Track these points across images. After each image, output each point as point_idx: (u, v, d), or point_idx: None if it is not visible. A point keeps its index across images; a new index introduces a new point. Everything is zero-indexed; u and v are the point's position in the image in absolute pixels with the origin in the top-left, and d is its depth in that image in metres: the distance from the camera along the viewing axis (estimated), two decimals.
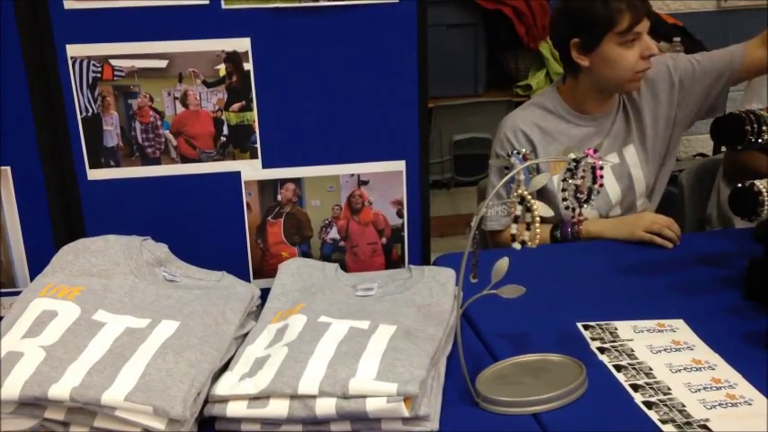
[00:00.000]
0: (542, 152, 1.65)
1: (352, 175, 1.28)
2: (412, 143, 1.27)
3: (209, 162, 1.25)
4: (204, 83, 1.21)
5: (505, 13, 3.02)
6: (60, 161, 1.22)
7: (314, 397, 0.90)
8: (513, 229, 0.96)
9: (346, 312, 1.08)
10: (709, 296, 1.27)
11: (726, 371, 1.04)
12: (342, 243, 1.32)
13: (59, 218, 1.24)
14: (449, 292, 1.14)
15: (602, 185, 0.98)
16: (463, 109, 3.13)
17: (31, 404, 0.91)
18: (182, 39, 1.18)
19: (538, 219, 0.94)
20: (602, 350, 1.10)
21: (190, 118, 1.23)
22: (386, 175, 1.28)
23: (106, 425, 0.90)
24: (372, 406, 0.89)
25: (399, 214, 1.31)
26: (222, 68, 1.20)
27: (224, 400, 0.93)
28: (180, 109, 1.22)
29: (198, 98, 1.22)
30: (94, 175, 1.23)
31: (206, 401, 0.94)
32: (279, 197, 1.28)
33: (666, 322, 1.17)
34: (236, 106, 1.23)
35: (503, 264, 0.96)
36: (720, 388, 1.00)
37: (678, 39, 3.14)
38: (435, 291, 1.14)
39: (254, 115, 1.23)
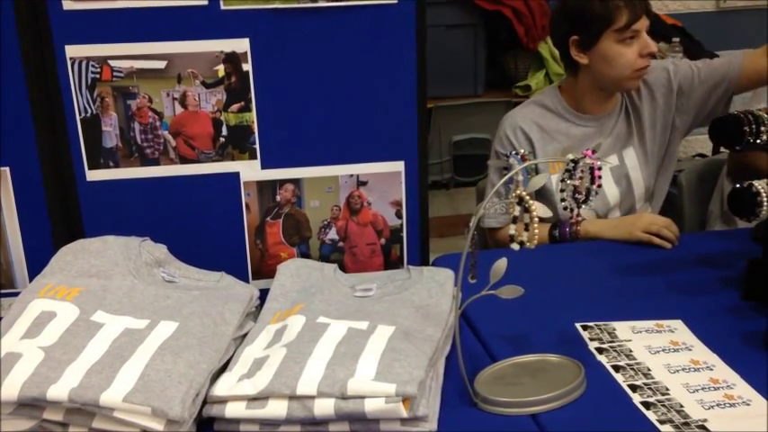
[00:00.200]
0: (541, 151, 1.66)
1: (351, 175, 1.28)
2: (411, 144, 1.27)
3: (208, 163, 1.25)
4: (203, 83, 1.21)
5: (505, 14, 3.03)
6: (59, 162, 1.22)
7: (312, 397, 0.90)
8: (512, 229, 0.96)
9: (345, 313, 1.08)
10: (708, 296, 1.27)
11: (724, 371, 1.04)
12: (341, 244, 1.32)
13: (58, 218, 1.24)
14: (447, 292, 1.14)
15: (600, 186, 0.98)
16: (462, 109, 3.14)
17: (29, 405, 0.91)
18: (181, 39, 1.18)
19: (536, 219, 0.94)
20: (600, 350, 1.10)
21: (189, 119, 1.23)
22: (385, 176, 1.29)
23: (105, 426, 0.90)
24: (371, 406, 0.89)
25: (398, 215, 1.31)
26: (221, 69, 1.20)
27: (223, 400, 0.93)
28: (179, 110, 1.22)
29: (197, 99, 1.22)
30: (93, 175, 1.23)
31: (205, 402, 0.94)
32: (278, 198, 1.28)
33: (665, 323, 1.17)
34: (234, 107, 1.23)
35: (501, 264, 0.96)
36: (718, 388, 1.00)
37: (677, 39, 3.14)
38: (434, 291, 1.14)
39: (252, 116, 1.23)
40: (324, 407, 0.90)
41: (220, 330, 1.04)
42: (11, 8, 1.14)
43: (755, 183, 1.17)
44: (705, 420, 0.94)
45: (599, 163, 0.97)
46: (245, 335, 1.08)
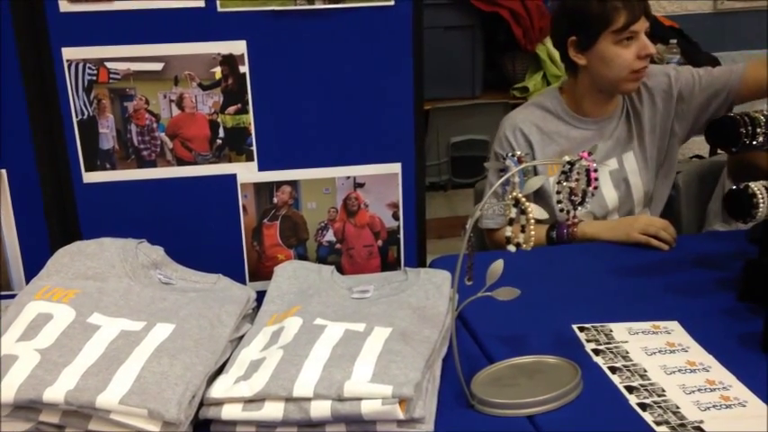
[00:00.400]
0: (540, 153, 1.66)
1: (348, 177, 1.28)
2: (407, 145, 1.27)
3: (205, 165, 1.25)
4: (200, 85, 1.21)
5: (502, 16, 3.03)
6: (56, 164, 1.22)
7: (309, 399, 0.90)
8: (508, 231, 0.96)
9: (342, 315, 1.08)
10: (704, 298, 1.27)
11: (720, 372, 1.04)
12: (338, 245, 1.32)
13: (55, 220, 1.24)
14: (444, 294, 1.14)
15: (596, 188, 0.98)
16: (460, 111, 3.14)
17: (26, 407, 0.91)
18: (177, 41, 1.18)
19: (532, 221, 0.94)
20: (597, 352, 1.10)
21: (185, 120, 1.23)
22: (382, 178, 1.29)
23: (101, 428, 0.90)
24: (367, 408, 0.89)
25: (395, 216, 1.31)
26: (218, 71, 1.20)
27: (219, 402, 0.93)
28: (176, 111, 1.22)
29: (194, 101, 1.22)
30: (90, 177, 1.23)
31: (201, 404, 0.94)
32: (275, 200, 1.28)
33: (661, 324, 1.18)
34: (231, 109, 1.23)
35: (498, 266, 0.96)
36: (715, 390, 1.00)
37: (674, 41, 3.14)
38: (431, 293, 1.14)
39: (249, 118, 1.23)
40: (320, 409, 0.90)
41: (217, 332, 1.04)
42: (8, 10, 1.14)
43: (752, 184, 1.17)
44: (701, 422, 0.94)
45: (595, 165, 0.97)
46: (241, 337, 1.08)
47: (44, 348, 0.95)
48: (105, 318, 1.02)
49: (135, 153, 1.23)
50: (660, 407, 0.97)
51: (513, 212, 0.95)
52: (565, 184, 0.98)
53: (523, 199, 0.94)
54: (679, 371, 1.05)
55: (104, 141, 1.22)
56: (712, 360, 1.07)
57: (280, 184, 1.27)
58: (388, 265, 1.33)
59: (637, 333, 1.15)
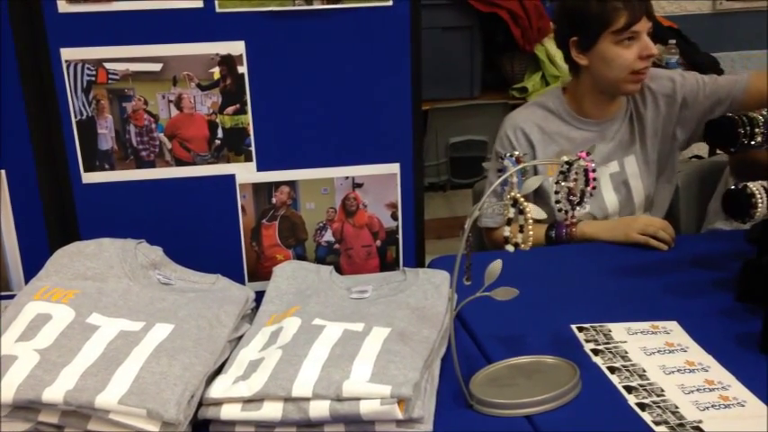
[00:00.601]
0: (541, 153, 1.66)
1: (347, 177, 1.28)
2: (406, 145, 1.28)
3: (204, 165, 1.25)
4: (198, 86, 1.21)
5: (501, 16, 3.03)
6: (55, 164, 1.22)
7: (308, 399, 0.90)
8: (506, 231, 0.96)
9: (341, 315, 1.08)
10: (703, 298, 1.27)
11: (719, 372, 1.04)
12: (336, 246, 1.32)
13: (54, 221, 1.24)
14: (443, 294, 1.14)
15: (594, 188, 0.98)
16: (459, 111, 3.14)
17: (25, 407, 0.91)
18: (176, 42, 1.18)
19: (530, 221, 0.94)
20: (595, 352, 1.10)
21: (184, 121, 1.23)
22: (380, 178, 1.29)
23: (100, 428, 0.90)
24: (366, 408, 0.89)
25: (394, 217, 1.31)
26: (216, 72, 1.21)
27: (218, 402, 0.93)
28: (174, 112, 1.22)
29: (192, 101, 1.22)
30: (89, 178, 1.23)
31: (200, 404, 0.94)
32: (273, 200, 1.28)
33: (660, 324, 1.18)
34: (230, 109, 1.23)
35: (496, 266, 0.96)
36: (713, 389, 1.01)
37: (673, 41, 3.15)
38: (430, 293, 1.14)
39: (248, 118, 1.23)
40: (319, 409, 0.90)
41: (216, 332, 1.04)
42: (6, 11, 1.14)
43: (750, 184, 1.17)
44: (700, 421, 0.94)
45: (593, 165, 0.97)
46: (240, 337, 1.08)
47: (43, 348, 0.95)
48: (104, 318, 1.02)
49: (134, 153, 1.23)
50: (659, 407, 0.97)
51: (512, 212, 0.95)
52: (563, 183, 0.98)
53: (521, 199, 0.94)
54: (678, 371, 1.05)
55: (103, 142, 1.22)
56: (711, 360, 1.07)
57: (278, 184, 1.27)
58: (387, 265, 1.34)
59: (636, 333, 1.15)
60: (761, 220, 1.19)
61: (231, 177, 1.26)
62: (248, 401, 0.92)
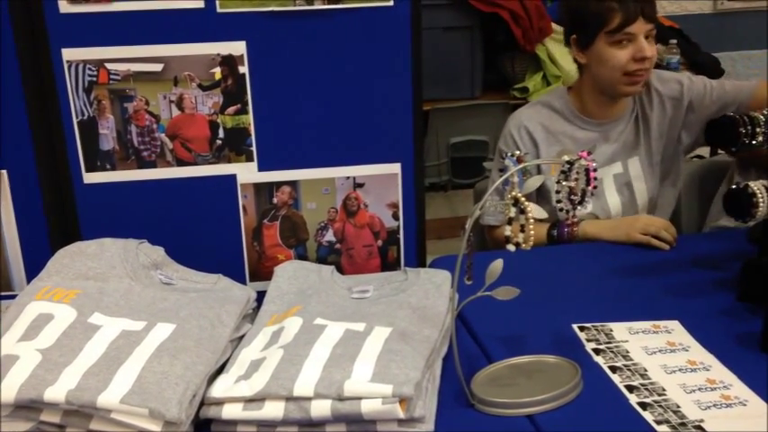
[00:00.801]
0: (545, 152, 1.66)
1: (348, 177, 1.28)
2: (407, 145, 1.28)
3: (205, 165, 1.25)
4: (200, 86, 1.21)
5: (502, 16, 3.03)
6: (56, 164, 1.22)
7: (309, 399, 0.90)
8: (507, 230, 0.96)
9: (342, 315, 1.08)
10: (704, 297, 1.27)
11: (720, 372, 1.04)
12: (337, 245, 1.32)
13: (55, 221, 1.24)
14: (444, 294, 1.14)
15: (595, 188, 0.98)
16: (460, 112, 3.14)
17: (27, 407, 0.91)
18: (177, 42, 1.18)
19: (531, 221, 0.94)
20: (597, 351, 1.10)
21: (185, 121, 1.23)
22: (381, 178, 1.29)
23: (102, 427, 0.90)
24: (367, 408, 0.89)
25: (395, 216, 1.31)
26: (218, 72, 1.21)
27: (220, 402, 0.93)
28: (175, 112, 1.22)
29: (193, 101, 1.22)
30: (90, 178, 1.23)
31: (202, 404, 0.94)
32: (274, 200, 1.28)
33: (662, 323, 1.18)
34: (231, 109, 1.23)
35: (497, 266, 0.96)
36: (715, 389, 1.01)
37: (674, 41, 3.14)
38: (431, 293, 1.14)
39: (249, 118, 1.24)
40: (321, 408, 0.90)
41: (217, 332, 1.04)
42: (7, 11, 1.14)
43: (751, 184, 1.17)
44: (702, 421, 0.94)
45: (594, 165, 0.97)
46: (241, 337, 1.09)
47: (45, 348, 0.96)
48: (106, 318, 1.02)
49: (135, 154, 1.23)
50: (660, 406, 0.97)
51: (513, 212, 0.95)
52: (564, 183, 0.98)
53: (523, 198, 0.94)
54: (679, 370, 1.05)
55: (104, 142, 1.22)
56: (713, 359, 1.07)
57: (279, 184, 1.27)
58: (388, 265, 1.34)
59: (637, 332, 1.15)
60: (762, 220, 1.19)
61: (232, 177, 1.26)
62: (250, 401, 0.92)
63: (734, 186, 1.19)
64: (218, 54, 1.20)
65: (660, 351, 1.10)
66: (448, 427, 0.95)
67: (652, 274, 1.38)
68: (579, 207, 1.00)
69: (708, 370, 1.05)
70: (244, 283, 1.27)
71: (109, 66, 1.19)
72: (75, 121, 1.20)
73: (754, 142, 1.24)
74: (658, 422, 0.94)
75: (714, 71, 3.26)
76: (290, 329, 1.04)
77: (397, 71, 1.23)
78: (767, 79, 1.64)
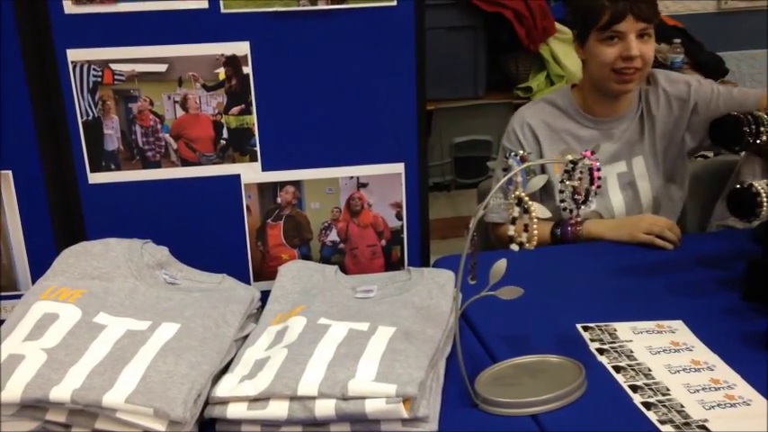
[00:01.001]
0: (547, 149, 1.66)
1: (352, 177, 1.28)
2: (410, 145, 1.28)
3: (209, 165, 1.25)
4: (204, 86, 1.21)
5: (505, 16, 3.03)
6: (61, 164, 1.22)
7: (313, 398, 0.91)
8: (511, 230, 0.96)
9: (346, 314, 1.09)
10: (709, 297, 1.27)
11: (724, 371, 1.04)
12: (341, 245, 1.32)
13: (60, 221, 1.24)
14: (448, 293, 1.14)
15: (599, 187, 0.98)
16: (463, 111, 3.13)
17: (32, 406, 0.91)
18: (181, 43, 1.18)
19: (535, 220, 0.94)
20: (601, 351, 1.10)
21: (190, 121, 1.23)
22: (385, 178, 1.29)
23: (107, 427, 0.91)
24: (371, 407, 0.89)
25: (399, 216, 1.32)
26: (222, 72, 1.21)
27: (224, 401, 0.93)
28: (180, 112, 1.23)
29: (198, 102, 1.22)
30: (95, 178, 1.24)
31: (206, 403, 0.95)
32: (278, 200, 1.28)
33: (665, 323, 1.18)
34: (235, 109, 1.23)
35: (501, 265, 0.96)
36: (719, 389, 1.01)
37: (678, 40, 3.14)
38: (434, 292, 1.14)
39: (253, 118, 1.24)
40: (325, 407, 0.90)
41: (222, 332, 1.04)
42: (12, 11, 1.14)
43: (755, 183, 1.17)
44: (706, 420, 0.94)
45: (598, 164, 0.97)
46: (246, 336, 1.09)
47: (50, 348, 0.96)
48: (111, 317, 1.03)
49: (140, 154, 1.24)
50: (665, 406, 0.97)
51: (516, 211, 0.95)
52: (568, 183, 0.98)
53: (526, 198, 0.94)
54: (683, 370, 1.05)
55: (109, 142, 1.23)
56: (717, 359, 1.07)
57: (283, 184, 1.28)
58: (392, 264, 1.34)
59: (641, 332, 1.15)
60: (766, 219, 1.19)
61: (236, 177, 1.26)
62: (254, 400, 0.93)
63: (738, 186, 1.19)
64: (222, 54, 1.20)
65: (664, 351, 1.10)
66: (452, 426, 0.95)
67: (656, 273, 1.38)
68: (583, 206, 1.00)
69: (712, 370, 1.05)
70: (248, 282, 1.28)
71: (113, 66, 1.19)
72: (79, 121, 1.21)
73: (758, 141, 1.24)
74: (662, 422, 0.94)
75: (718, 70, 3.26)
76: (295, 329, 1.04)
77: (400, 71, 1.23)
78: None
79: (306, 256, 1.32)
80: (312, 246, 1.32)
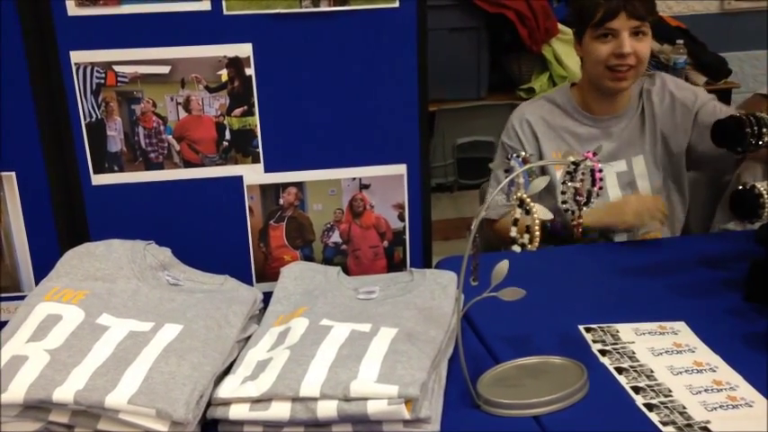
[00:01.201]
0: (545, 146, 1.67)
1: (354, 178, 1.29)
2: (413, 146, 1.28)
3: (212, 166, 1.25)
4: (206, 88, 1.22)
5: (508, 17, 3.03)
6: (64, 166, 1.23)
7: (315, 399, 0.91)
8: (513, 231, 0.96)
9: (348, 315, 1.09)
10: (711, 298, 1.27)
11: (727, 373, 1.04)
12: (344, 246, 1.33)
13: (64, 222, 1.25)
14: (450, 294, 1.14)
15: (601, 188, 0.98)
16: (466, 112, 3.14)
17: (35, 407, 0.91)
18: (184, 45, 1.19)
19: (537, 222, 0.94)
20: (603, 352, 1.10)
21: (192, 123, 1.24)
22: (387, 179, 1.29)
23: (110, 427, 0.91)
24: (373, 408, 0.89)
25: (401, 217, 1.32)
26: (224, 74, 1.21)
27: (226, 402, 0.94)
28: (183, 114, 1.23)
29: (200, 103, 1.23)
30: (98, 180, 1.24)
31: (209, 404, 0.95)
32: (281, 201, 1.29)
33: (668, 324, 1.17)
34: (238, 111, 1.24)
35: (503, 266, 0.96)
36: (721, 390, 1.00)
37: (681, 41, 3.14)
38: (437, 293, 1.15)
39: (255, 120, 1.24)
40: (327, 408, 0.90)
41: (224, 333, 1.04)
42: (15, 14, 1.15)
43: (758, 184, 1.17)
44: (708, 422, 0.94)
45: (600, 165, 0.97)
46: (248, 337, 1.09)
47: (54, 349, 0.96)
48: (114, 318, 1.03)
49: (142, 155, 1.24)
50: (667, 407, 0.97)
51: (518, 213, 0.95)
52: (570, 184, 0.98)
53: (528, 199, 0.94)
54: (686, 371, 1.05)
55: (112, 144, 1.23)
56: (719, 360, 1.07)
57: (286, 185, 1.28)
58: (394, 266, 1.34)
59: (643, 334, 1.15)
60: None
61: (239, 179, 1.26)
62: (256, 401, 0.93)
63: (740, 187, 1.19)
64: (225, 56, 1.20)
65: (666, 352, 1.10)
66: (454, 427, 0.95)
67: (658, 274, 1.38)
68: (585, 207, 1.00)
69: (714, 371, 1.05)
70: (250, 283, 1.28)
71: (117, 68, 1.19)
72: (83, 123, 1.21)
73: (760, 143, 1.24)
74: (664, 423, 0.94)
75: (721, 71, 3.26)
76: (297, 330, 1.04)
77: (403, 72, 1.24)
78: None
79: (308, 258, 1.32)
80: (314, 247, 1.32)
